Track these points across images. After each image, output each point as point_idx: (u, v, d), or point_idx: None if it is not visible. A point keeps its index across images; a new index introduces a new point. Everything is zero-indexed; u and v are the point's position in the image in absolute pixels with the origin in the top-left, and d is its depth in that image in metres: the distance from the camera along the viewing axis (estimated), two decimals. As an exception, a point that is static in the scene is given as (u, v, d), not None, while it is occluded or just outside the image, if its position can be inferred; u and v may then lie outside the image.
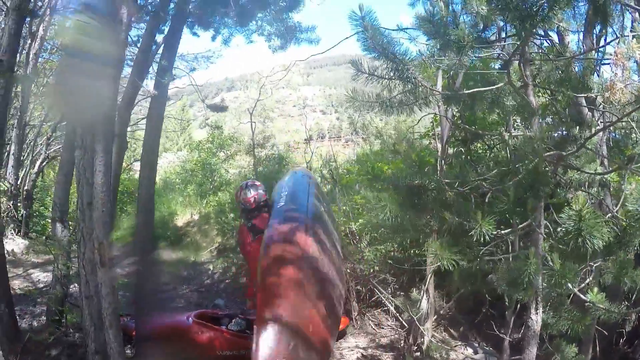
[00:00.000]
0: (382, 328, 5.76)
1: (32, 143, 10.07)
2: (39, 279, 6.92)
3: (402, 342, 5.21)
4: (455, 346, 5.06)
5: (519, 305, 4.35)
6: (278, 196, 4.26)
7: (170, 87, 8.93)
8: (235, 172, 13.29)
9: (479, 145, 5.53)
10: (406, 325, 5.33)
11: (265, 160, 10.92)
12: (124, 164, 15.30)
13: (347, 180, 6.49)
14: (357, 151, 13.36)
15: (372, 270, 5.78)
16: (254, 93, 16.65)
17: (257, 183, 4.33)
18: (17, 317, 5.32)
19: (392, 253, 6.00)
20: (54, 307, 4.68)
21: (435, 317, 5.30)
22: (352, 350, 5.22)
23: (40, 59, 9.55)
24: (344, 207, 6.32)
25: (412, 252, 5.80)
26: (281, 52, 6.46)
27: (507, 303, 4.48)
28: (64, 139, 6.78)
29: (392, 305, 5.69)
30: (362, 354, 5.12)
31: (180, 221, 12.23)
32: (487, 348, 4.98)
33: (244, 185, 4.20)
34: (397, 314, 5.60)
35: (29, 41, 8.66)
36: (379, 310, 6.03)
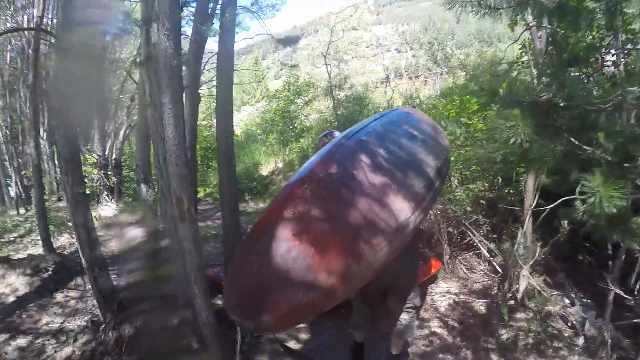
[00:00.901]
0: (475, 273, 5.42)
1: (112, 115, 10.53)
2: (133, 238, 7.24)
3: (496, 288, 4.93)
4: (552, 295, 4.64)
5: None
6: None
7: (238, 40, 8.99)
8: (316, 117, 13.18)
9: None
10: (500, 270, 5.08)
11: (345, 101, 10.58)
12: (204, 121, 15.83)
13: (432, 115, 6.05)
14: (440, 85, 12.65)
15: (463, 212, 5.43)
16: (325, 37, 16.22)
17: (336, 132, 3.79)
18: (115, 275, 5.68)
19: (484, 193, 5.59)
20: (145, 264, 4.84)
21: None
22: (443, 295, 4.99)
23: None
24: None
25: (506, 191, 5.38)
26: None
27: (609, 251, 4.01)
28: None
29: (484, 249, 5.38)
30: (453, 300, 4.87)
31: (264, 170, 12.41)
32: (585, 300, 4.50)
33: (323, 134, 3.76)
34: (490, 258, 5.30)
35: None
36: (470, 253, 5.68)
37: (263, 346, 4.17)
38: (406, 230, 2.44)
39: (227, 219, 4.30)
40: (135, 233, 5.92)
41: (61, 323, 4.78)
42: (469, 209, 5.39)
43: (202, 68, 5.20)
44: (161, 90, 3.10)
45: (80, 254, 4.42)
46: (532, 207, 4.42)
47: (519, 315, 4.36)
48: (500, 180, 5.50)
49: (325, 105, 13.04)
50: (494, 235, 5.59)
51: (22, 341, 4.48)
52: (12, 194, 13.54)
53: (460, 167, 5.52)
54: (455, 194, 5.39)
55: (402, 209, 2.46)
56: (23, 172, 11.98)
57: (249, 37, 9.59)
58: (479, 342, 4.06)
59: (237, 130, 16.85)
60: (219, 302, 4.63)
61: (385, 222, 2.37)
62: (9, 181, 13.96)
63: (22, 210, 10.64)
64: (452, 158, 5.38)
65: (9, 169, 13.54)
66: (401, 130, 3.09)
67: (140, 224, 5.65)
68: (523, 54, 5.38)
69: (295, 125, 12.84)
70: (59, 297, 5.25)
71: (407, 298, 3.32)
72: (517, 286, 4.49)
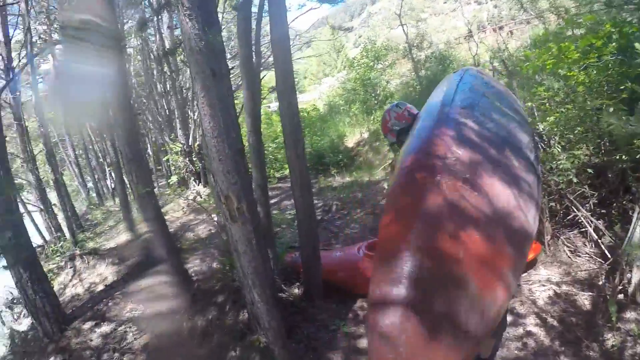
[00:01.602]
0: (579, 256, 4.66)
1: (189, 105, 10.78)
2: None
3: (603, 278, 4.17)
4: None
5: None
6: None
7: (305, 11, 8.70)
8: (398, 82, 12.73)
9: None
10: (609, 255, 4.26)
11: (426, 62, 10.02)
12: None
13: (526, 68, 5.45)
14: (530, 34, 11.58)
15: (568, 182, 4.77)
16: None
17: (402, 102, 3.34)
18: (199, 261, 5.84)
19: (590, 159, 4.85)
20: (219, 256, 4.84)
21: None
22: (543, 285, 4.39)
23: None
24: (528, 104, 5.39)
25: (617, 157, 4.48)
26: None
27: None
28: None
29: (591, 227, 4.65)
30: (554, 292, 4.24)
31: (350, 142, 12.24)
32: None
33: (388, 108, 3.24)
34: (598, 239, 4.57)
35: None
36: (575, 231, 4.91)
37: (337, 343, 3.95)
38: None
39: (300, 204, 4.11)
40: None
41: (142, 311, 5.02)
42: (575, 179, 4.70)
43: (258, 46, 4.93)
44: (192, 77, 2.92)
45: (156, 245, 4.58)
46: None
47: (628, 314, 3.65)
48: (608, 143, 4.72)
49: (407, 68, 12.50)
50: (602, 211, 4.81)
51: (106, 328, 4.74)
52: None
53: (561, 128, 4.91)
54: (559, 161, 4.76)
55: (533, 217, 2.33)
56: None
57: (315, 7, 9.33)
58: (580, 348, 3.52)
59: (319, 103, 16.72)
60: (297, 290, 4.56)
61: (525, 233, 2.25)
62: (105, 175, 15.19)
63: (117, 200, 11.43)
64: (551, 118, 4.94)
65: (104, 164, 14.68)
66: (496, 106, 2.81)
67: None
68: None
69: (378, 92, 12.49)
70: (143, 284, 5.48)
71: None
72: (629, 277, 3.77)
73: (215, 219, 5.89)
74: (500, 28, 18.45)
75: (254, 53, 4.61)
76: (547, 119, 4.95)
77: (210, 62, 2.86)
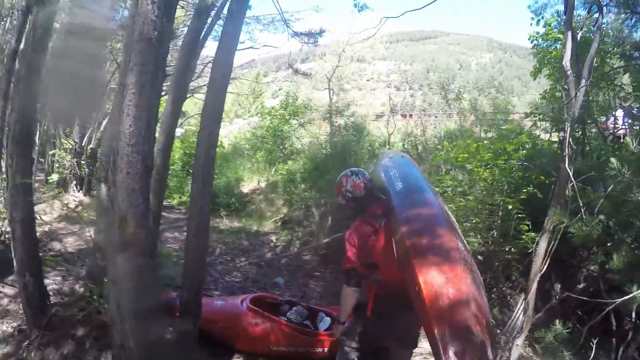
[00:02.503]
0: None
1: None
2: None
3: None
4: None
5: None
6: (388, 178, 3.37)
7: (241, 48, 8.54)
8: (307, 141, 12.70)
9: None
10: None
11: (344, 129, 10.06)
12: (194, 126, 15.15)
13: (439, 157, 5.54)
14: (446, 126, 12.21)
15: None
16: (331, 62, 15.89)
17: (361, 169, 3.43)
18: (61, 278, 4.96)
19: (478, 247, 5.09)
20: (87, 280, 4.16)
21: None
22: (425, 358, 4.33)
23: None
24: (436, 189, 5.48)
25: (506, 248, 4.93)
26: (368, 11, 6.11)
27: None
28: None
29: None
30: None
31: (246, 188, 11.87)
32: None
33: (348, 172, 3.30)
34: None
35: None
36: None
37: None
38: None
39: (193, 245, 3.54)
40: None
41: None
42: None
43: (195, 62, 4.55)
44: (127, 67, 2.40)
45: (13, 254, 3.74)
46: (541, 272, 3.93)
47: None
48: (495, 234, 5.05)
49: (322, 130, 12.56)
50: (492, 295, 5.04)
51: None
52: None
53: (459, 217, 5.00)
54: None
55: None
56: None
57: (255, 47, 9.15)
58: None
59: (225, 142, 16.28)
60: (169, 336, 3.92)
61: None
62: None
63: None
64: (451, 206, 5.01)
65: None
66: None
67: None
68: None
69: (286, 146, 12.36)
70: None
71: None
72: (507, 355, 3.96)
73: (92, 235, 5.06)
74: (410, 115, 19.47)
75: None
76: (450, 205, 5.02)
77: (156, 56, 2.41)
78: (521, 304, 4.02)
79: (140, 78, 2.35)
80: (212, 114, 3.43)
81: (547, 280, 4.33)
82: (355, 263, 2.89)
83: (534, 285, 3.98)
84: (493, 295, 4.96)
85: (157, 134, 3.64)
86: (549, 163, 5.05)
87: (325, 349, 3.70)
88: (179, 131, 15.40)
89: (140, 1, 2.36)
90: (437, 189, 5.50)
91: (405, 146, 9.13)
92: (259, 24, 9.20)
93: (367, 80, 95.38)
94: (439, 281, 2.28)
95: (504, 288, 5.00)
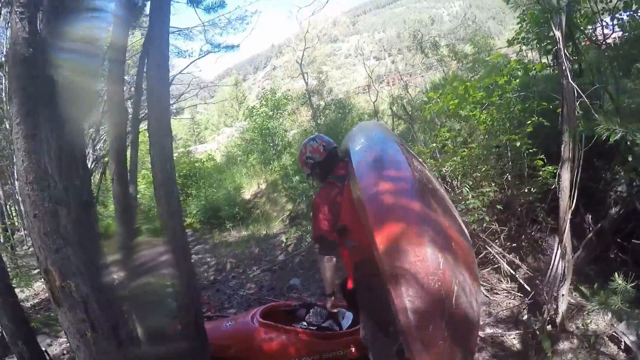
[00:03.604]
0: (497, 294, 4.42)
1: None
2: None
3: (525, 312, 3.99)
4: (590, 311, 3.67)
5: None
6: (352, 140, 3.13)
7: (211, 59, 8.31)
8: (296, 131, 12.34)
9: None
10: (529, 288, 4.14)
11: (326, 109, 9.66)
12: (182, 147, 14.83)
13: (429, 110, 5.11)
14: (430, 79, 11.74)
15: (479, 222, 4.54)
16: (300, 51, 15.51)
17: (320, 134, 3.35)
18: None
19: (495, 195, 4.70)
20: None
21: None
22: None
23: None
24: (432, 145, 5.09)
25: (524, 189, 4.49)
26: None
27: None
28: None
29: (504, 262, 4.51)
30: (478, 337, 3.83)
31: (247, 194, 11.54)
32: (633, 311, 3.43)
33: (306, 140, 3.25)
34: (515, 273, 4.41)
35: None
36: (488, 269, 4.72)
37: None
38: None
39: (178, 271, 3.16)
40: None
41: None
42: (487, 218, 4.50)
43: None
44: (9, 97, 2.01)
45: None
46: (571, 209, 3.56)
47: (562, 345, 3.42)
48: (509, 177, 4.67)
49: (307, 116, 12.18)
50: (512, 244, 4.72)
51: None
52: None
53: (466, 168, 4.60)
54: (468, 202, 4.47)
55: None
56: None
57: (215, 51, 8.88)
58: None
59: (217, 154, 15.97)
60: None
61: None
62: None
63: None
64: (457, 158, 4.72)
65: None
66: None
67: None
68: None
69: (277, 142, 11.93)
70: None
71: None
72: (554, 307, 3.57)
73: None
74: (400, 79, 18.91)
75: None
76: (454, 158, 4.64)
77: (35, 77, 2.00)
78: (557, 249, 3.65)
79: (23, 105, 1.95)
80: (158, 126, 2.99)
81: (575, 214, 3.93)
82: (325, 229, 2.76)
83: (567, 225, 3.58)
84: (523, 243, 4.64)
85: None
86: (548, 88, 4.70)
87: (353, 349, 3.31)
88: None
89: (11, 21, 1.97)
90: (434, 144, 5.17)
91: (395, 110, 8.68)
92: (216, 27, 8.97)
93: (345, 57, 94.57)
94: (392, 238, 2.11)
95: (532, 232, 4.64)
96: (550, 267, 3.68)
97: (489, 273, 4.63)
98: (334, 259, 2.77)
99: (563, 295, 3.51)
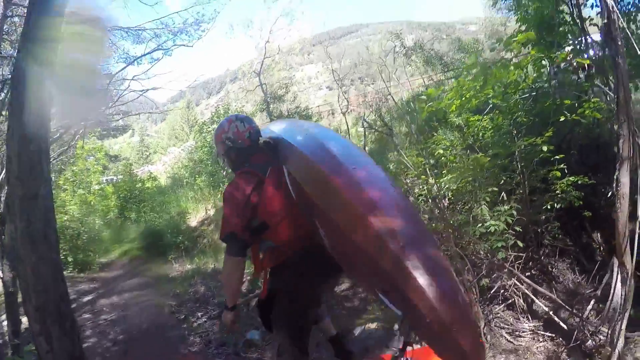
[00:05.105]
0: (520, 336, 3.56)
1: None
2: None
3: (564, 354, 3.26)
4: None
5: None
6: (289, 135, 2.74)
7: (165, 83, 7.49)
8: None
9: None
10: (564, 326, 3.41)
11: (288, 115, 8.61)
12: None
13: (428, 110, 4.07)
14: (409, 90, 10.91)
15: (502, 249, 3.65)
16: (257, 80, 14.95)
17: (249, 117, 2.92)
18: None
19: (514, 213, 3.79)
20: None
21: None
22: None
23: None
24: (429, 161, 4.20)
25: (546, 204, 3.74)
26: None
27: None
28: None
29: (521, 297, 3.80)
30: None
31: (193, 220, 10.24)
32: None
33: (233, 117, 2.78)
34: (547, 309, 3.64)
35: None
36: (501, 306, 3.83)
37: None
38: None
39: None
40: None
41: None
42: (520, 243, 3.68)
43: None
44: None
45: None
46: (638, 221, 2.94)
47: None
48: (522, 192, 3.89)
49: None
50: (525, 273, 3.90)
51: None
52: None
53: (480, 182, 3.76)
54: (486, 224, 3.56)
55: None
56: None
57: (169, 71, 8.22)
58: None
59: (162, 176, 14.62)
60: None
61: None
62: None
63: None
64: (463, 169, 3.86)
65: None
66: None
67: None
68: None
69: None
70: None
71: None
72: (608, 349, 2.94)
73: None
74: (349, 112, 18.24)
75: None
76: (460, 170, 3.69)
77: None
78: (617, 272, 3.00)
79: None
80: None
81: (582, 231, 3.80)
82: (237, 226, 2.35)
83: (627, 242, 2.93)
84: (533, 271, 3.99)
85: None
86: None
87: None
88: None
89: None
90: (425, 159, 4.25)
91: (366, 121, 7.68)
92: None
93: (297, 87, 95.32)
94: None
95: (542, 257, 3.98)
96: (610, 297, 3.03)
97: (504, 310, 3.82)
98: (244, 261, 2.36)
99: (622, 330, 2.90)
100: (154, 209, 10.46)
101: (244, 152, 2.67)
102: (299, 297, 2.40)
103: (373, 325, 4.09)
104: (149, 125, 66.03)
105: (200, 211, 10.41)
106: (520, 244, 3.72)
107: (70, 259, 7.70)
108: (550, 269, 4.02)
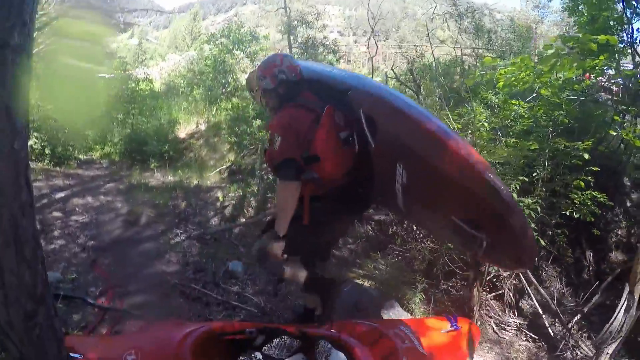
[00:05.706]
0: (505, 329, 3.76)
1: None
2: None
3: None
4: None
5: None
6: (329, 76, 2.95)
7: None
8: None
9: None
10: (550, 331, 3.75)
11: (310, 47, 7.92)
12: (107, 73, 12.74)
13: (477, 78, 3.77)
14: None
15: None
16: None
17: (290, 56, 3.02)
18: None
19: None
20: None
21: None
22: None
23: None
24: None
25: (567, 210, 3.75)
26: None
27: None
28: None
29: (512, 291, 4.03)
30: None
31: (182, 132, 9.78)
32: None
33: (282, 54, 2.86)
34: (540, 310, 3.88)
35: None
36: (491, 294, 3.98)
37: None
38: None
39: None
40: None
41: None
42: (543, 242, 3.67)
43: None
44: None
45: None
46: None
47: None
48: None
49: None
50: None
51: None
52: None
53: (515, 170, 3.59)
54: None
55: None
56: None
57: None
58: None
59: (157, 82, 13.95)
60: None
61: None
62: None
63: None
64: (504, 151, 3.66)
65: None
66: None
67: None
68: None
69: (229, 81, 10.49)
70: None
71: None
72: None
73: None
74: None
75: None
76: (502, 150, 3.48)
77: None
78: (625, 300, 3.08)
79: None
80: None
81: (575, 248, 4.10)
82: (296, 153, 2.41)
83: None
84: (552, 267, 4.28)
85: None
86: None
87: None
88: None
89: None
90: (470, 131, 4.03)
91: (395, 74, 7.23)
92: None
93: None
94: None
95: (545, 267, 4.24)
96: (611, 321, 3.14)
97: (493, 299, 4.00)
98: (300, 186, 2.40)
99: (608, 354, 3.12)
100: (143, 112, 9.82)
101: (293, 87, 2.70)
102: (326, 229, 2.61)
103: (367, 283, 3.98)
104: (150, 30, 63.58)
105: (191, 124, 9.99)
106: (543, 243, 3.74)
107: (47, 151, 7.23)
108: (539, 272, 4.21)
